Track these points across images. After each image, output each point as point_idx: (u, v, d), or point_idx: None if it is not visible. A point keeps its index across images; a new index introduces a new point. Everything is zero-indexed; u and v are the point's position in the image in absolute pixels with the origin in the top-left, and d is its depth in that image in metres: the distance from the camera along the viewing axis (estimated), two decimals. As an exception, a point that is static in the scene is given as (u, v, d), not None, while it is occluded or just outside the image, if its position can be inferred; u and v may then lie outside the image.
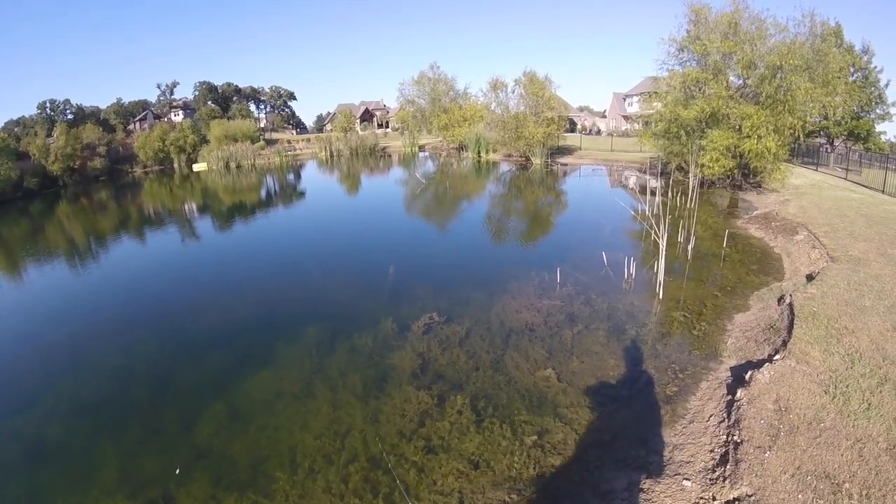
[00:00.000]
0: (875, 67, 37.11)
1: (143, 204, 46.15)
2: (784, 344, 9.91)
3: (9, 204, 50.40)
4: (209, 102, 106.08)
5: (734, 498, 6.41)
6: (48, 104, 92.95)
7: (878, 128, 39.28)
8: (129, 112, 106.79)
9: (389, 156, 75.99)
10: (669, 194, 25.49)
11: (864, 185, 27.18)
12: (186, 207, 41.37)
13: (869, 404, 7.75)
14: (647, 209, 19.88)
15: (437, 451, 8.28)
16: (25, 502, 8.02)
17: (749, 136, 25.30)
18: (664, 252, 14.29)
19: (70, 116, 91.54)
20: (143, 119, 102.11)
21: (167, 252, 25.63)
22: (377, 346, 12.10)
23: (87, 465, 8.71)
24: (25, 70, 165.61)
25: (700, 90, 28.34)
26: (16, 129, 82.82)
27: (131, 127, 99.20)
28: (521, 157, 53.04)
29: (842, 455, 6.78)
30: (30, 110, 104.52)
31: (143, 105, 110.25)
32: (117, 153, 75.66)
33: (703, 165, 27.38)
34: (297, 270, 19.64)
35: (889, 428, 7.20)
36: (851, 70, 35.00)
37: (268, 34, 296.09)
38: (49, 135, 68.80)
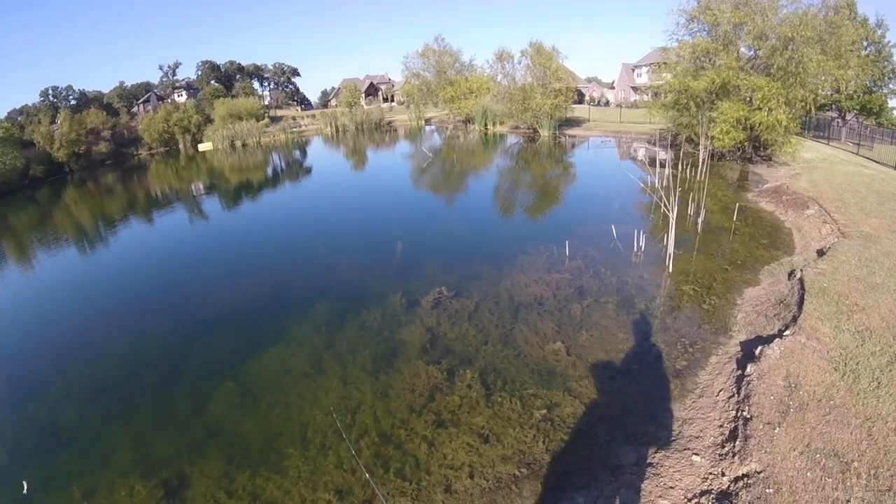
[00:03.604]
0: (889, 42, 36.27)
1: (150, 186, 46.22)
2: (794, 320, 9.88)
3: (16, 192, 50.58)
4: (212, 82, 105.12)
5: (743, 474, 6.44)
6: (50, 91, 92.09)
7: (891, 103, 38.67)
8: (133, 95, 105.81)
9: (395, 130, 75.51)
10: (679, 167, 25.25)
11: (875, 161, 26.79)
12: (193, 188, 41.43)
13: (879, 383, 7.73)
14: (656, 182, 19.73)
15: (446, 425, 8.37)
16: (41, 486, 8.16)
17: (760, 109, 24.91)
18: (674, 225, 14.19)
19: (73, 102, 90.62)
20: (147, 101, 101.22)
21: (174, 234, 25.79)
22: (386, 321, 12.16)
23: (101, 448, 8.87)
24: (26, 58, 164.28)
25: (710, 61, 27.83)
26: (19, 118, 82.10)
27: (135, 109, 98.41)
28: (528, 129, 52.52)
29: (851, 433, 6.78)
30: (32, 98, 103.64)
31: (146, 87, 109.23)
32: (122, 136, 75.59)
33: (713, 137, 27.04)
34: (304, 248, 19.69)
35: (899, 405, 7.19)
36: (864, 44, 34.28)
37: (269, 10, 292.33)
38: (53, 122, 68.70)
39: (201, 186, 41.69)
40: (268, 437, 8.54)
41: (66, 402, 10.43)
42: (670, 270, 13.96)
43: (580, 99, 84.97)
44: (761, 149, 28.84)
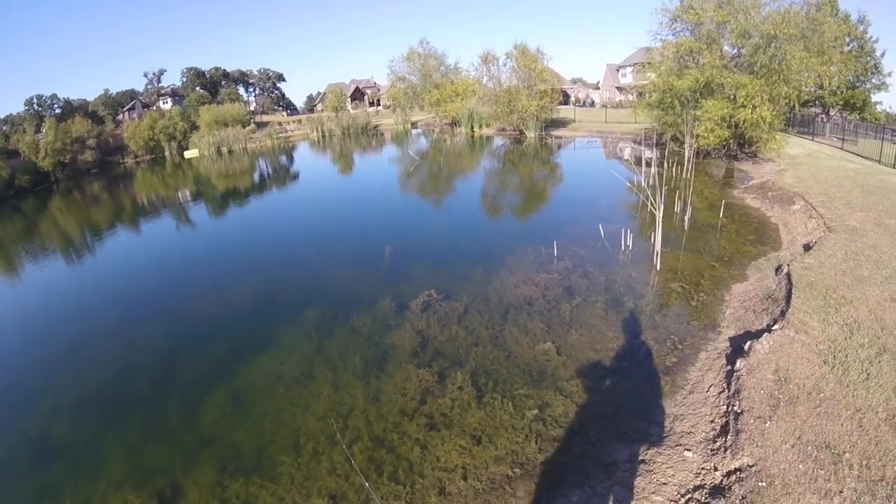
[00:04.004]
0: (870, 37, 36.72)
1: (136, 194, 45.82)
2: (782, 314, 9.94)
3: (1, 203, 50.01)
4: (197, 88, 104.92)
5: (735, 468, 6.46)
6: (35, 100, 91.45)
7: (874, 98, 39.12)
8: (118, 102, 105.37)
9: (382, 134, 75.38)
10: (665, 165, 25.44)
11: (860, 156, 27.01)
12: (180, 195, 41.14)
13: (868, 374, 7.78)
14: (642, 180, 19.78)
15: (439, 427, 8.34)
16: (34, 499, 8.06)
17: (744, 106, 25.13)
18: (661, 223, 14.26)
19: (58, 111, 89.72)
20: (132, 109, 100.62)
21: (162, 242, 25.56)
22: (376, 325, 12.12)
23: (94, 460, 8.75)
24: (10, 67, 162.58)
25: (694, 60, 28.08)
26: (4, 128, 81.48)
27: (120, 117, 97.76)
28: (514, 130, 52.62)
29: (842, 425, 6.82)
30: (17, 107, 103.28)
31: (131, 94, 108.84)
32: (108, 144, 74.83)
33: (698, 136, 27.20)
34: (293, 254, 19.59)
35: (888, 398, 7.24)
36: (847, 40, 34.72)
37: (254, 16, 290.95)
38: (38, 131, 68.07)
39: (188, 194, 41.41)
40: (260, 445, 8.47)
41: (57, 414, 10.29)
42: (658, 268, 14.02)
43: (565, 100, 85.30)
44: (746, 146, 29.06)
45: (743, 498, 6.01)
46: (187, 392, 10.47)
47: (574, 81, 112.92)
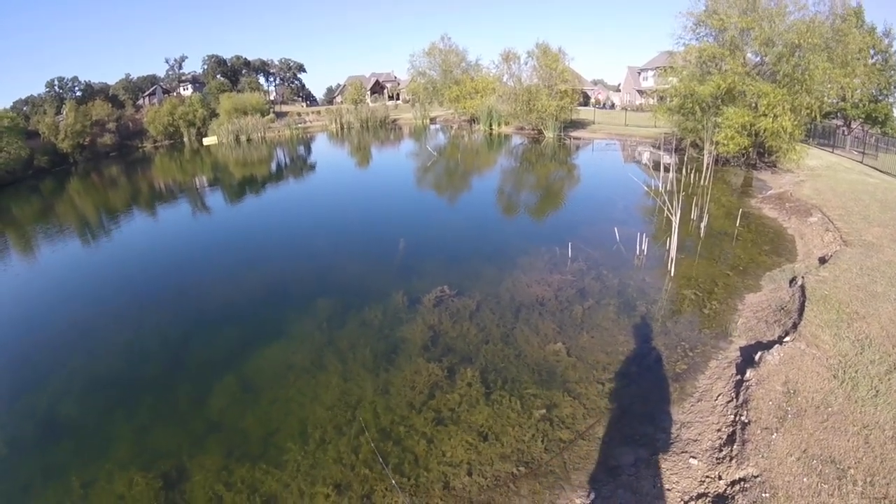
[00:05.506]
0: (896, 51, 36.32)
1: (154, 179, 46.30)
2: (794, 326, 9.90)
3: (20, 182, 50.69)
4: (218, 76, 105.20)
5: (740, 478, 6.48)
6: (56, 82, 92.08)
7: (897, 112, 38.62)
8: (138, 87, 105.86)
9: (400, 128, 75.46)
10: (683, 171, 25.26)
11: (880, 170, 26.64)
12: (197, 181, 41.53)
13: (877, 391, 7.75)
14: (660, 185, 19.74)
15: (446, 422, 8.41)
16: (40, 477, 8.20)
17: (765, 115, 24.89)
18: (677, 229, 14.21)
19: (79, 93, 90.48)
20: (153, 94, 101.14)
21: (177, 227, 25.88)
22: (388, 319, 12.21)
23: (101, 440, 8.92)
24: (32, 48, 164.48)
25: (716, 66, 27.85)
26: (25, 108, 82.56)
27: (140, 102, 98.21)
28: (533, 130, 52.47)
29: (848, 440, 6.81)
30: (38, 89, 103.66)
31: (152, 80, 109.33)
32: (127, 129, 75.59)
33: (717, 143, 27.02)
34: (306, 244, 19.75)
35: (896, 415, 7.21)
36: (871, 52, 34.25)
37: (276, 5, 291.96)
38: (58, 113, 68.86)
39: (205, 180, 41.79)
40: (268, 432, 8.59)
41: (66, 394, 10.47)
42: (672, 274, 13.99)
43: (585, 101, 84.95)
44: (766, 155, 28.80)
45: (746, 507, 6.03)
46: (197, 377, 10.63)
47: (595, 83, 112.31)
